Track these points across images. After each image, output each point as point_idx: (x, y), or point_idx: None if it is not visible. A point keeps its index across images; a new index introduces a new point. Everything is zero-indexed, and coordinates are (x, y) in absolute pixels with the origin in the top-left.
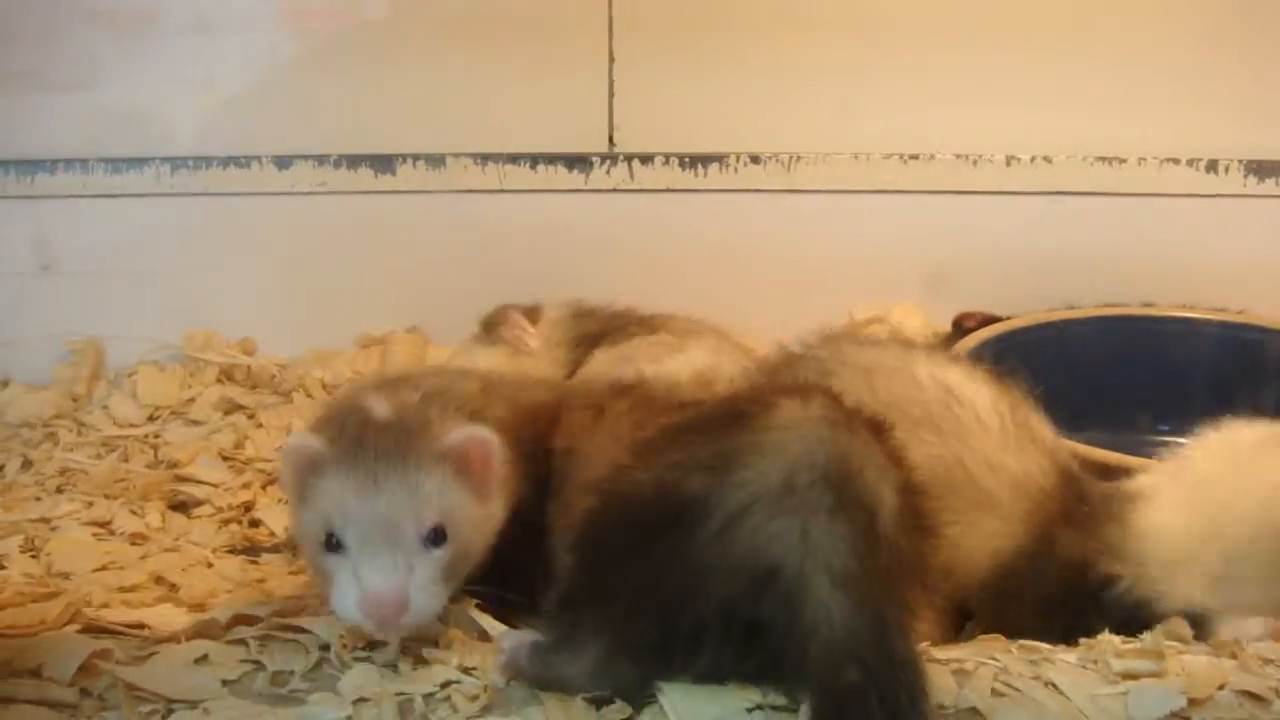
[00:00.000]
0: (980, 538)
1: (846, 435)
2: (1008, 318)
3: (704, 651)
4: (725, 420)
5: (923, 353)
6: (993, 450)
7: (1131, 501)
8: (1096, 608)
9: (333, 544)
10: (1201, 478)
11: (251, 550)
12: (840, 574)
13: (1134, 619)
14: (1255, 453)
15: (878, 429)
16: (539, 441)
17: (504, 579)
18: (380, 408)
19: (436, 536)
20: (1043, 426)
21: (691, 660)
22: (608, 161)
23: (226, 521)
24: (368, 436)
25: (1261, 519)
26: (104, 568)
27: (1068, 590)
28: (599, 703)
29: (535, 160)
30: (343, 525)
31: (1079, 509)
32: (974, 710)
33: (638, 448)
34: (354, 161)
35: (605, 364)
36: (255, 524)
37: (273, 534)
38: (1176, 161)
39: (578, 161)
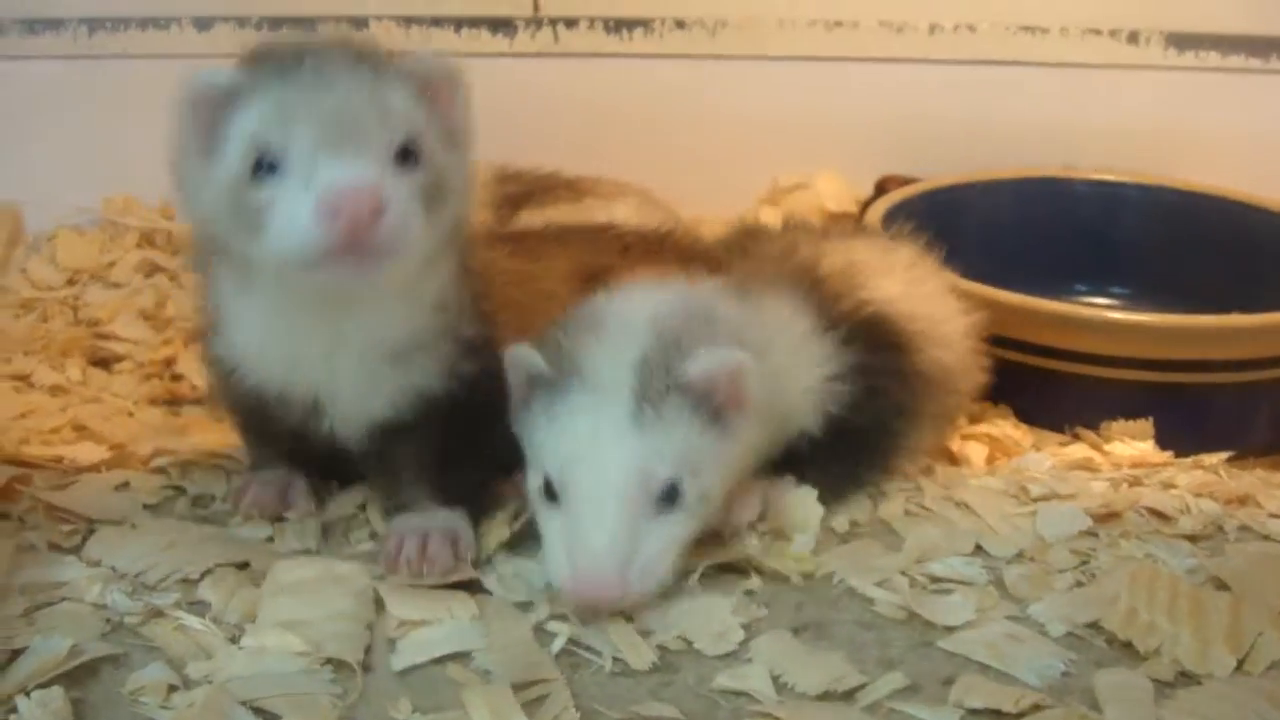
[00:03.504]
0: None
1: None
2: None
3: None
4: None
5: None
6: None
7: None
8: None
9: (265, 165)
10: None
11: (173, 402)
12: None
13: None
14: None
15: None
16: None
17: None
18: (327, 32)
19: (406, 156)
20: None
21: None
22: (532, 25)
23: (148, 376)
24: (305, 49)
25: None
26: (24, 415)
27: None
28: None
29: (459, 24)
30: (282, 133)
31: None
32: (890, 529)
33: None
34: (275, 24)
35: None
36: (177, 378)
37: (195, 387)
38: (1098, 32)
39: (502, 25)
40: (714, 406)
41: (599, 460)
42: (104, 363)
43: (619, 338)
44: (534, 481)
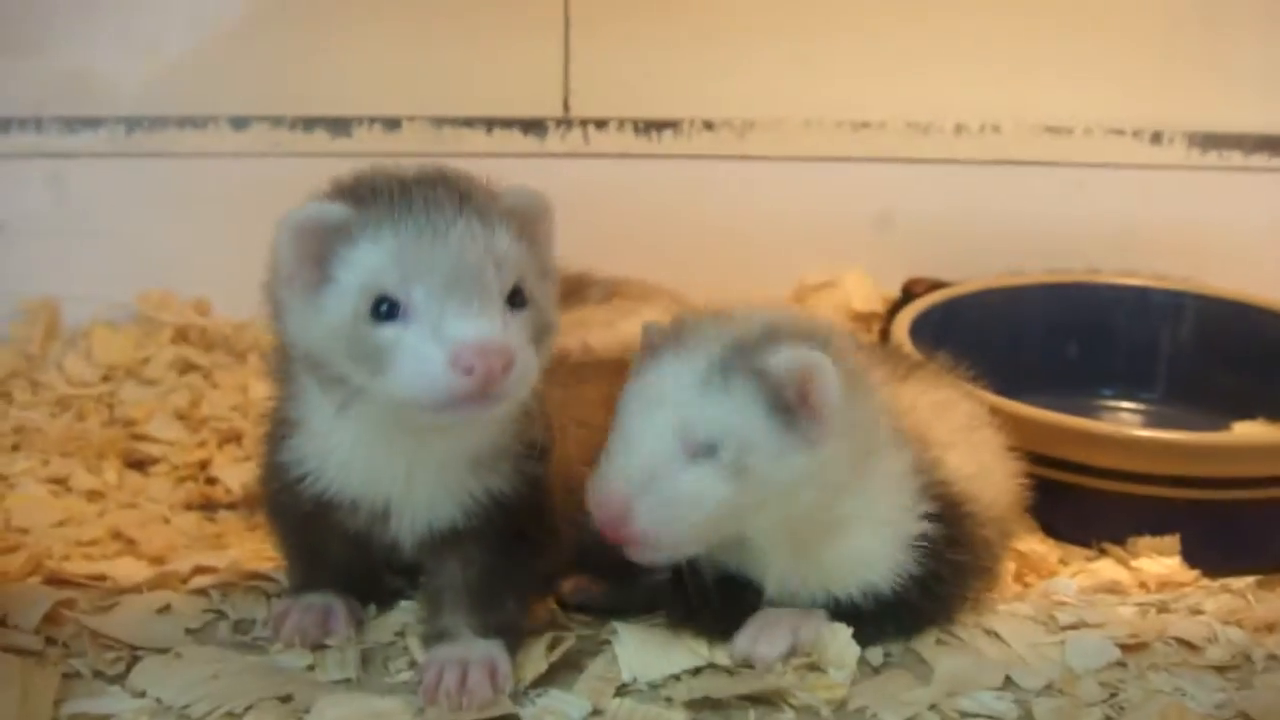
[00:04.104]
0: None
1: None
2: (955, 284)
3: None
4: None
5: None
6: None
7: None
8: None
9: (384, 311)
10: None
11: (208, 507)
12: None
13: None
14: None
15: None
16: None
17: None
18: (416, 169)
19: (516, 298)
20: None
21: None
22: (563, 126)
23: (183, 479)
24: (413, 190)
25: None
26: (62, 523)
27: None
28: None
29: (491, 124)
30: (403, 281)
31: None
32: (920, 659)
33: None
34: (310, 124)
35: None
36: (211, 481)
37: (229, 491)
38: (1121, 132)
39: (533, 126)
40: (785, 401)
41: (651, 401)
42: (139, 464)
43: (729, 324)
44: None
